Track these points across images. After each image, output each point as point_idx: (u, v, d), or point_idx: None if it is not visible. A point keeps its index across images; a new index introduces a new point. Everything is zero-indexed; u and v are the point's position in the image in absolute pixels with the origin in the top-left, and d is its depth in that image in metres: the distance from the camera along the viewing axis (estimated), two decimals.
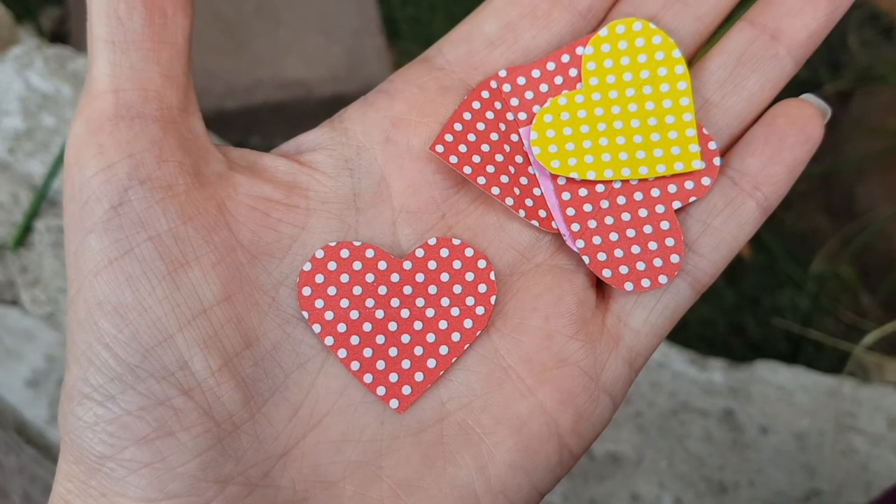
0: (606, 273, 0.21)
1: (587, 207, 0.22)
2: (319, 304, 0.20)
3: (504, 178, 0.21)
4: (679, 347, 0.55)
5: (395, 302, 0.21)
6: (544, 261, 0.22)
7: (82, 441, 0.18)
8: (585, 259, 0.21)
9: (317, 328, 0.20)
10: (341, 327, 0.20)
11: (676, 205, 0.22)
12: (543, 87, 0.23)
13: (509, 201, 0.21)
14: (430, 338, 0.20)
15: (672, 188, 0.22)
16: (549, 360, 0.20)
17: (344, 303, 0.20)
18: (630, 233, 0.21)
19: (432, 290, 0.21)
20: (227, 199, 0.20)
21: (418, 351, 0.20)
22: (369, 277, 0.21)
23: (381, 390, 0.20)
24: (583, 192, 0.22)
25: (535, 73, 0.23)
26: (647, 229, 0.21)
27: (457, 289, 0.21)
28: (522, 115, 0.23)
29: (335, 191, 0.21)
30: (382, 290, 0.21)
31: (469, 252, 0.21)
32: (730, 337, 0.81)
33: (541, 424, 0.20)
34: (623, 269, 0.21)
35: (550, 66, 0.23)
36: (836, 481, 0.51)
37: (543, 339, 0.20)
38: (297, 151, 0.22)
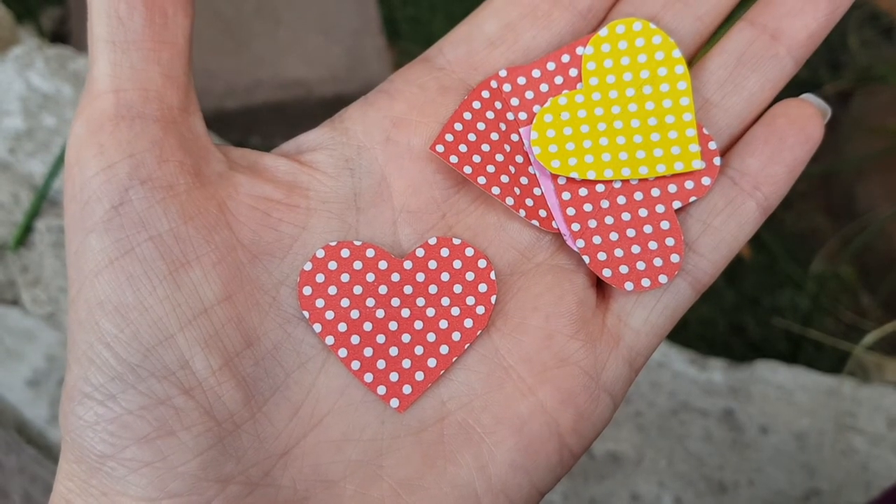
0: (607, 273, 0.21)
1: (587, 207, 0.22)
2: (320, 303, 0.20)
3: (504, 178, 0.21)
4: (679, 347, 0.55)
5: (395, 301, 0.21)
6: (545, 260, 0.22)
7: (83, 440, 0.18)
8: (586, 259, 0.21)
9: (317, 328, 0.20)
10: (342, 327, 0.20)
11: (677, 204, 0.22)
12: (544, 87, 0.23)
13: (510, 201, 0.21)
14: (431, 337, 0.21)
15: (672, 188, 0.22)
16: (549, 360, 0.20)
17: (344, 302, 0.20)
18: (630, 232, 0.21)
19: (433, 289, 0.21)
20: (227, 199, 0.20)
21: (419, 350, 0.20)
22: (370, 277, 0.21)
23: (381, 390, 0.20)
24: (583, 191, 0.22)
25: (536, 73, 0.23)
26: (648, 229, 0.21)
27: (457, 288, 0.21)
28: (523, 115, 0.23)
29: (336, 190, 0.21)
30: (383, 289, 0.21)
31: (469, 252, 0.21)
32: (730, 337, 0.81)
33: (541, 424, 0.20)
34: (623, 269, 0.21)
35: (551, 65, 0.23)
36: (835, 481, 0.51)
37: (544, 339, 0.21)
38: (297, 151, 0.22)
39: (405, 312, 0.21)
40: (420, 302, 0.21)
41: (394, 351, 0.20)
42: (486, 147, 0.22)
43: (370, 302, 0.21)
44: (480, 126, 0.22)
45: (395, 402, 0.20)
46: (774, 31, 0.22)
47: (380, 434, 0.20)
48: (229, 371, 0.19)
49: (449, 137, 0.21)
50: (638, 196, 0.22)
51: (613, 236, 0.21)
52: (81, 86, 0.55)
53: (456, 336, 0.20)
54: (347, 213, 0.21)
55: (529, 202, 0.22)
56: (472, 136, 0.22)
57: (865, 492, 0.51)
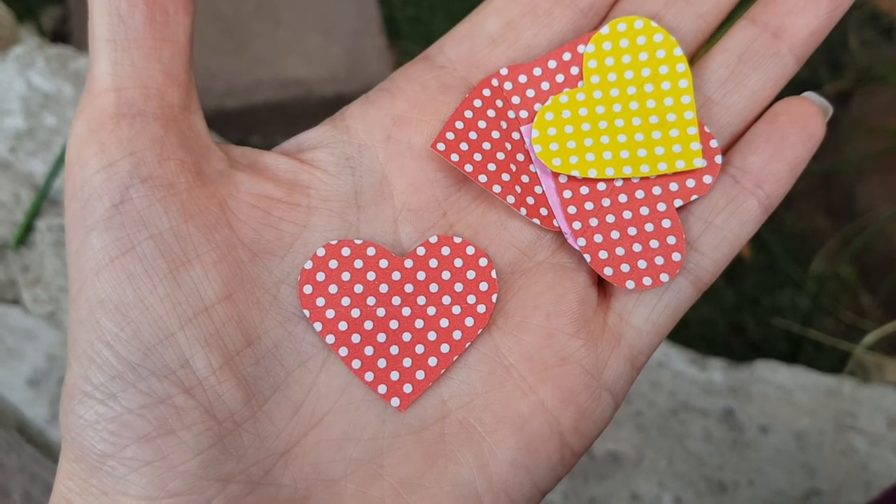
0: (608, 271, 0.21)
1: (589, 205, 0.22)
2: (321, 302, 0.20)
3: (505, 177, 0.21)
4: (679, 347, 0.55)
5: (396, 300, 0.21)
6: (546, 259, 0.22)
7: (83, 439, 0.18)
8: (587, 257, 0.21)
9: (318, 326, 0.20)
10: (342, 325, 0.20)
11: (678, 203, 0.22)
12: (545, 85, 0.23)
13: (511, 199, 0.21)
14: (432, 336, 0.20)
15: (674, 186, 0.22)
16: (550, 359, 0.20)
17: (345, 301, 0.20)
18: (631, 231, 0.21)
19: (434, 288, 0.21)
20: (228, 198, 0.20)
21: (420, 349, 0.20)
22: (370, 275, 0.21)
23: (382, 388, 0.20)
24: (584, 190, 0.22)
25: (537, 71, 0.23)
26: (649, 227, 0.21)
27: (458, 287, 0.21)
28: (524, 114, 0.23)
29: (336, 189, 0.21)
30: (384, 288, 0.21)
31: (470, 250, 0.21)
32: (730, 337, 0.81)
33: (542, 423, 0.20)
34: (625, 268, 0.21)
35: (552, 64, 0.23)
36: (835, 481, 0.51)
37: (545, 338, 0.20)
38: (298, 150, 0.22)
39: (406, 311, 0.21)
40: (421, 300, 0.21)
41: (394, 350, 0.20)
42: (487, 145, 0.22)
43: (371, 300, 0.21)
44: (482, 124, 0.22)
45: (395, 401, 0.20)
46: (776, 29, 0.22)
47: (380, 433, 0.20)
48: (230, 370, 0.19)
49: (450, 136, 0.21)
50: (639, 194, 0.22)
51: (615, 235, 0.21)
52: (82, 85, 0.55)
53: (457, 335, 0.20)
54: (348, 211, 0.21)
55: (530, 200, 0.22)
56: (473, 135, 0.22)
57: (865, 492, 0.51)
